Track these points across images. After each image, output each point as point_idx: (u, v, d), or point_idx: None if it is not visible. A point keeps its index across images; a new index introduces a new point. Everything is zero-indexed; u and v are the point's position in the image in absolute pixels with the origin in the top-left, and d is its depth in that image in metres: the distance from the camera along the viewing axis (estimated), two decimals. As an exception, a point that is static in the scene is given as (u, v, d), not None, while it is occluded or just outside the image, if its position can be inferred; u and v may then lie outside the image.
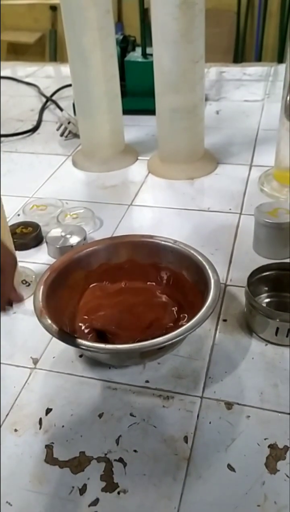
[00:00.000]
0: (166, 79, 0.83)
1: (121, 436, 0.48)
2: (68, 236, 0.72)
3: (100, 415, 0.50)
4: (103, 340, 0.55)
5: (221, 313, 0.61)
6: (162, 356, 0.54)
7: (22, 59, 2.42)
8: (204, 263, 0.56)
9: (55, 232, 0.73)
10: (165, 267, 0.61)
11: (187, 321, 0.49)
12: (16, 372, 0.55)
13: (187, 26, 0.77)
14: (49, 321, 0.50)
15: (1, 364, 0.56)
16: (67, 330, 0.53)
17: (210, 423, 0.48)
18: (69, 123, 1.09)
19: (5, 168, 0.99)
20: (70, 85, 1.11)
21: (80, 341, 0.48)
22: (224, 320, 0.60)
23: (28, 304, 0.56)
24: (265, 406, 0.49)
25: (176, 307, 0.58)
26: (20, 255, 0.73)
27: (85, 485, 0.44)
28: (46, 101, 1.29)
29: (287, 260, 0.66)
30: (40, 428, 0.49)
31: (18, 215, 0.83)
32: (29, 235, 0.75)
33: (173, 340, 0.47)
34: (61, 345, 0.55)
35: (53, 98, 1.31)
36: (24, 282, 0.67)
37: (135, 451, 0.47)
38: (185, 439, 0.47)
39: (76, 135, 1.09)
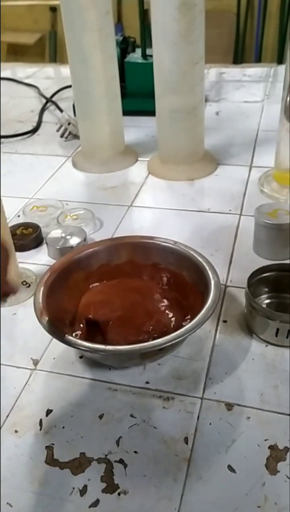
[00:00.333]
0: (166, 80, 0.83)
1: (121, 437, 0.48)
2: (68, 237, 0.72)
3: (101, 416, 0.50)
4: (95, 330, 0.55)
5: (221, 314, 0.61)
6: (162, 357, 0.54)
7: (22, 60, 2.42)
8: (204, 264, 0.56)
9: (55, 233, 0.73)
10: (165, 268, 0.61)
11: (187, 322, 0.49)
12: (16, 373, 0.55)
13: (187, 27, 0.77)
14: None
15: (1, 365, 0.56)
16: (68, 331, 0.53)
17: (210, 424, 0.48)
18: (69, 124, 1.09)
19: (5, 169, 0.99)
20: (70, 86, 1.11)
21: (79, 342, 0.48)
22: (224, 321, 0.60)
23: (29, 304, 0.56)
24: (265, 407, 0.50)
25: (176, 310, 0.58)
26: (20, 256, 0.73)
27: (85, 486, 0.44)
28: (46, 102, 1.29)
29: (287, 261, 0.66)
30: (40, 429, 0.49)
31: (18, 216, 0.83)
32: (29, 236, 0.75)
33: (173, 341, 0.47)
34: (62, 346, 0.55)
35: (53, 99, 1.31)
36: (24, 283, 0.67)
37: (135, 452, 0.47)
38: (186, 440, 0.47)
39: (76, 136, 1.09)
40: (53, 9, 2.90)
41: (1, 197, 0.61)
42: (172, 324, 0.56)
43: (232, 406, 0.50)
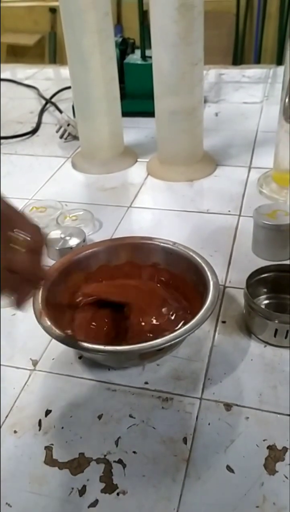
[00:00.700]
0: (165, 81, 0.84)
1: (120, 437, 0.48)
2: (67, 238, 0.72)
3: (100, 417, 0.50)
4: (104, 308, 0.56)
5: (220, 315, 0.61)
6: (161, 358, 0.55)
7: (21, 61, 2.41)
8: (203, 265, 0.56)
9: (55, 234, 0.73)
10: (165, 269, 0.61)
11: (186, 323, 0.49)
12: (15, 373, 0.56)
13: (186, 28, 0.77)
14: (49, 323, 0.50)
15: (0, 366, 0.56)
16: (67, 331, 0.53)
17: (209, 424, 0.48)
18: (68, 125, 1.09)
19: (5, 170, 1.00)
20: (69, 87, 1.11)
21: (79, 342, 0.48)
22: (223, 322, 0.60)
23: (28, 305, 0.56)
24: (264, 407, 0.50)
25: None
26: (19, 257, 0.73)
27: (84, 486, 0.44)
28: (46, 103, 1.29)
29: (286, 262, 0.66)
30: (39, 429, 0.49)
31: (18, 217, 0.83)
32: (28, 237, 0.75)
33: (172, 342, 0.47)
34: (61, 346, 0.55)
35: (53, 100, 1.31)
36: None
37: (134, 452, 0.47)
38: (184, 440, 0.47)
39: (75, 137, 1.09)
40: (53, 10, 2.90)
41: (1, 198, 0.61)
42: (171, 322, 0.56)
43: (231, 407, 0.50)
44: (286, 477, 0.44)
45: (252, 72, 1.44)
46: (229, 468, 0.45)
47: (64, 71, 1.51)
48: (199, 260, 0.57)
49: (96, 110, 0.92)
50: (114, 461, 0.46)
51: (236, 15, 2.63)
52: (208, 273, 0.54)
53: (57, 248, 0.71)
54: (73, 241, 0.72)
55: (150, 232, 0.65)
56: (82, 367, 0.56)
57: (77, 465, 0.46)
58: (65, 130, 1.10)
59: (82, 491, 0.44)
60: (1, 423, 0.50)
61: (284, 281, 0.60)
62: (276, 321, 0.54)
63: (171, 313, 0.55)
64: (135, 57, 1.15)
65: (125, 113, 0.99)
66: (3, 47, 3.00)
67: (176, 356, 0.56)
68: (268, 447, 0.46)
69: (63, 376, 0.55)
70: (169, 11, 0.76)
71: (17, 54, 3.03)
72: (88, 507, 0.43)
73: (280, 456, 0.45)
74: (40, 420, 0.50)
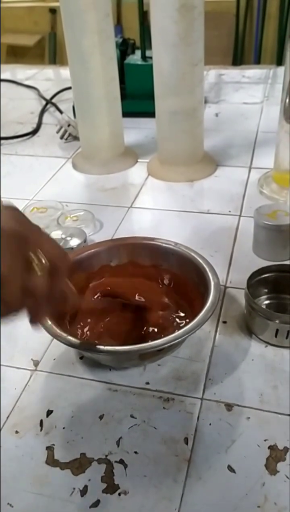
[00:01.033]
0: (166, 81, 0.84)
1: (121, 437, 0.48)
2: (68, 238, 0.72)
3: (101, 417, 0.50)
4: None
5: (221, 315, 0.61)
6: (162, 358, 0.55)
7: (21, 61, 2.42)
8: (204, 265, 0.56)
9: (55, 234, 0.73)
10: (166, 269, 0.61)
11: (187, 323, 0.49)
12: (17, 374, 0.56)
13: (186, 29, 0.78)
14: (50, 323, 0.50)
15: (1, 366, 0.57)
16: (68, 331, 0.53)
17: (210, 424, 0.49)
18: (69, 125, 1.09)
19: (5, 170, 1.00)
20: (69, 88, 1.11)
21: (79, 343, 0.48)
22: (224, 322, 0.60)
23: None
24: (265, 407, 0.50)
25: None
26: (20, 257, 0.73)
27: (86, 487, 0.44)
28: (46, 104, 1.30)
29: (286, 262, 0.66)
30: (41, 429, 0.49)
31: (18, 217, 0.83)
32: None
33: (173, 342, 0.47)
34: (62, 347, 0.55)
35: (53, 100, 1.31)
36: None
37: (135, 452, 0.47)
38: (186, 440, 0.47)
39: (76, 138, 1.09)
40: (53, 11, 2.91)
41: (1, 199, 0.61)
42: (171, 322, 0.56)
43: (232, 407, 0.50)
44: (287, 477, 0.44)
45: (252, 72, 1.44)
46: (230, 468, 0.45)
47: (64, 72, 1.51)
48: (200, 261, 0.57)
49: (96, 111, 0.92)
50: (116, 461, 0.46)
51: (236, 16, 2.64)
52: (209, 274, 0.54)
53: (58, 248, 0.71)
54: (74, 242, 0.72)
55: (150, 233, 0.66)
56: (83, 367, 0.56)
57: (79, 465, 0.46)
58: (65, 131, 1.10)
59: (84, 491, 0.44)
60: (2, 423, 0.50)
61: (285, 281, 0.60)
62: (277, 321, 0.54)
63: (172, 314, 0.56)
64: (135, 58, 1.15)
65: (125, 114, 0.99)
66: (3, 47, 3.01)
67: (177, 356, 0.56)
68: (269, 447, 0.46)
69: (64, 377, 0.55)
70: (170, 11, 0.76)
71: (17, 54, 3.04)
72: (90, 507, 0.43)
73: (281, 456, 0.45)
74: (41, 421, 0.50)
